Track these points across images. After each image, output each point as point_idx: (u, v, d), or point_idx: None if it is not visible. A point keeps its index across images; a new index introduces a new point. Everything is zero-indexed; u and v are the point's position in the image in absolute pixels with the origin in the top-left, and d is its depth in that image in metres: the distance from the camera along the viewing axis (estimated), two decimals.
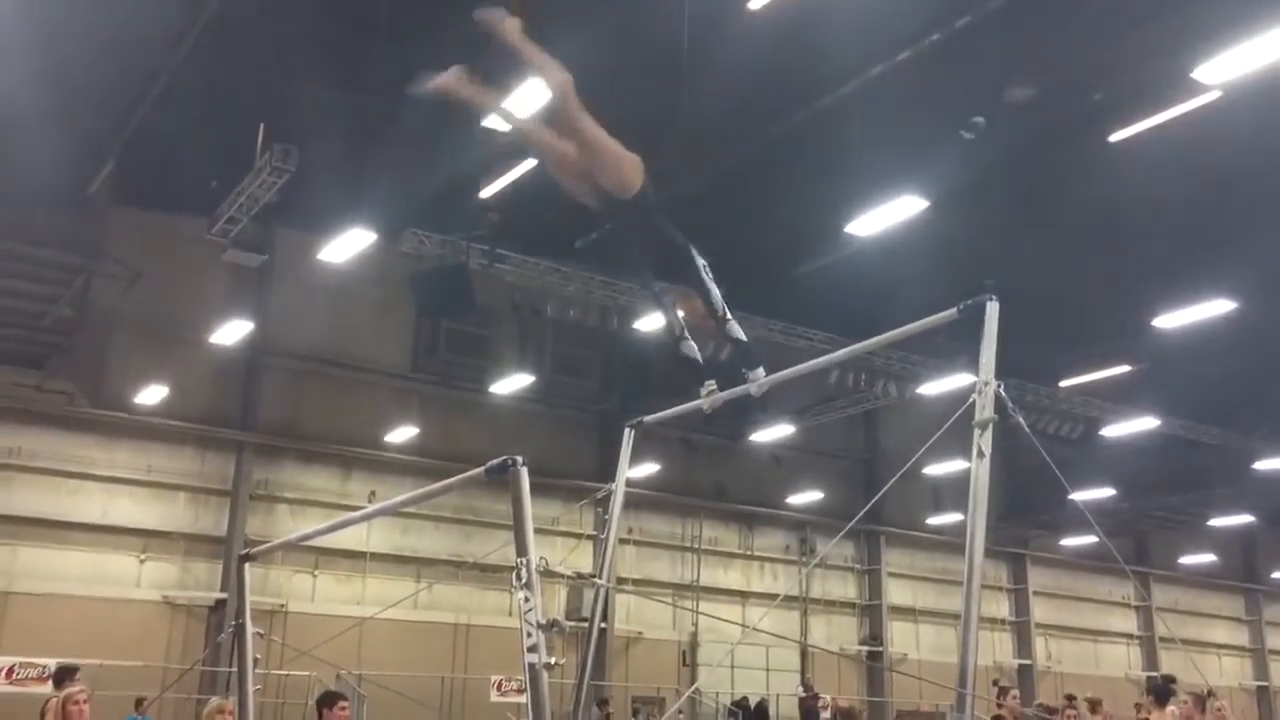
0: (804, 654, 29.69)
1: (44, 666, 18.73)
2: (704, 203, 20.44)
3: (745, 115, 18.59)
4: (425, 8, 16.81)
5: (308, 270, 22.43)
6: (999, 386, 4.83)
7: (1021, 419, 4.92)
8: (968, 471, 4.82)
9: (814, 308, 23.64)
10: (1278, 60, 12.20)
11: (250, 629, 6.53)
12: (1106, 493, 30.00)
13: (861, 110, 16.75)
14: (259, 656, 6.65)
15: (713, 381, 6.77)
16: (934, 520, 32.18)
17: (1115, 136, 17.48)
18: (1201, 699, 9.93)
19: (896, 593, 32.96)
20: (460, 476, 4.59)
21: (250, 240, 20.12)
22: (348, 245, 18.79)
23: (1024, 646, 35.15)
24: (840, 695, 27.10)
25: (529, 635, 3.71)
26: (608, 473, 7.24)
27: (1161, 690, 10.01)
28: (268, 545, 8.21)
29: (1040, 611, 35.88)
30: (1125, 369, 25.90)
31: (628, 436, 7.39)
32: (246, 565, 6.90)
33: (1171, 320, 20.99)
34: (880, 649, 31.63)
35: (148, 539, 23.00)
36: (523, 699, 23.48)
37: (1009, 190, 20.28)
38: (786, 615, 30.11)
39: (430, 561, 25.37)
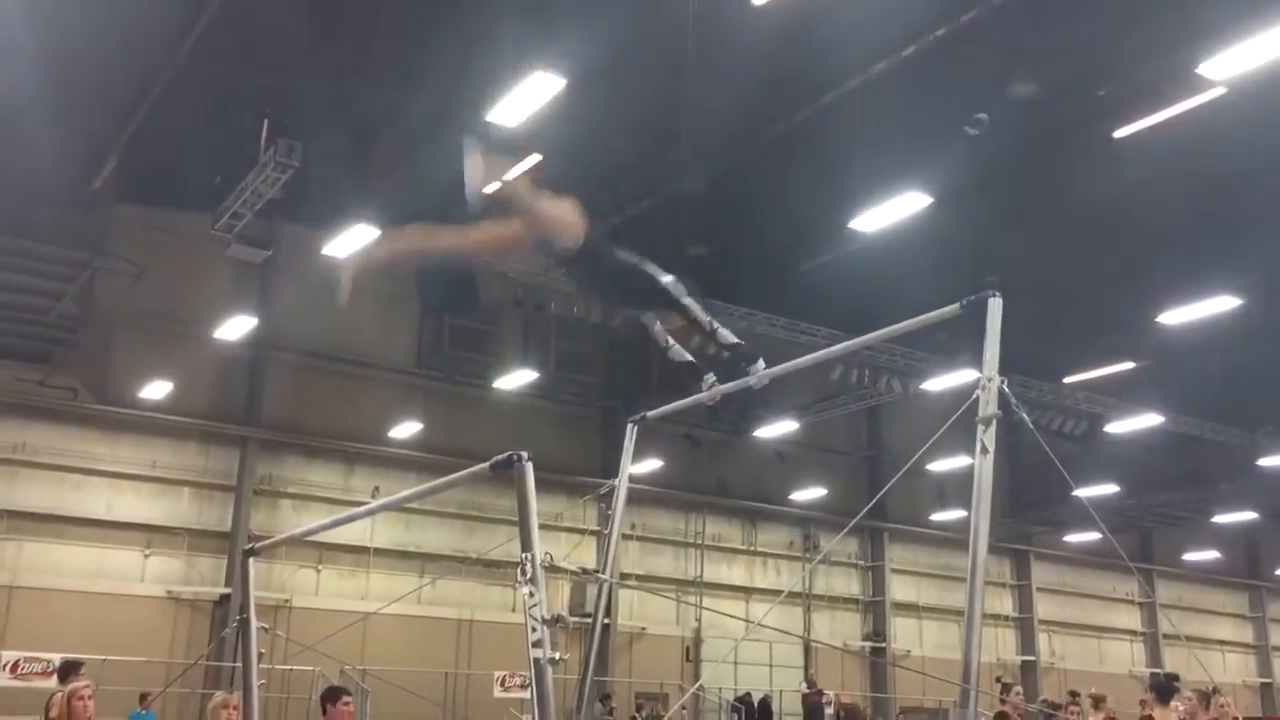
0: (807, 650, 29.70)
1: (48, 661, 18.79)
2: (708, 199, 20.50)
3: (749, 111, 18.58)
4: (427, 3, 16.83)
5: (312, 266, 22.37)
6: (1002, 383, 4.82)
7: (1025, 415, 4.91)
8: (971, 468, 4.82)
9: (818, 304, 23.63)
10: None
11: (255, 624, 6.54)
12: (1110, 489, 30.00)
13: (865, 106, 16.74)
14: (263, 651, 6.66)
15: (712, 375, 6.77)
16: (938, 516, 32.17)
17: (1120, 133, 17.45)
18: (1206, 695, 9.92)
19: (900, 589, 32.96)
20: (465, 472, 4.59)
21: (254, 236, 20.13)
22: (352, 240, 18.77)
23: (1027, 643, 35.14)
24: (844, 691, 27.15)
25: (534, 630, 3.71)
26: (611, 468, 7.24)
27: (1164, 688, 10.01)
28: (272, 540, 8.23)
29: (1044, 608, 35.85)
30: (1129, 365, 25.86)
31: (630, 432, 7.39)
32: (251, 560, 6.91)
33: (1176, 316, 20.95)
34: (884, 645, 31.63)
35: (152, 534, 23.04)
36: (526, 694, 23.60)
37: (1013, 187, 20.26)
38: (790, 611, 30.13)
39: (434, 557, 25.40)
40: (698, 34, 15.91)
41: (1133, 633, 38.13)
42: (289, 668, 17.86)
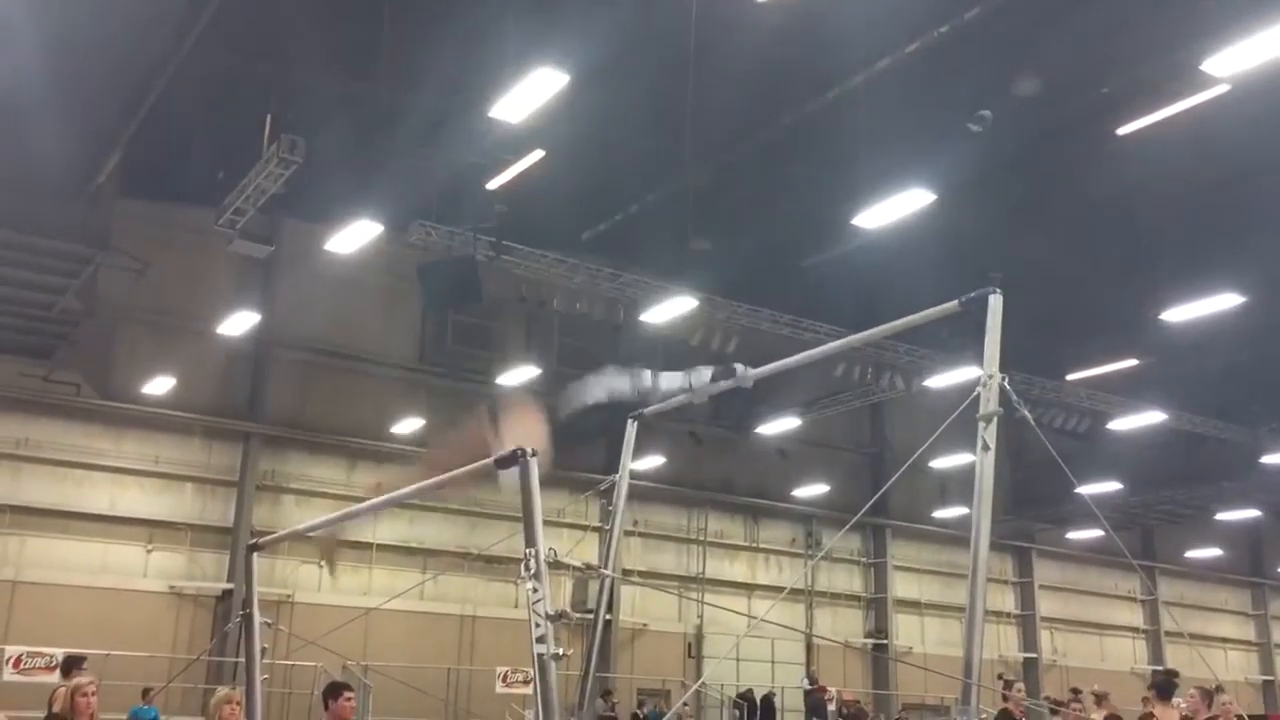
0: (809, 646, 29.71)
1: (51, 656, 18.82)
2: (711, 195, 20.48)
3: (753, 108, 18.58)
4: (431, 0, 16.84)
5: (315, 261, 22.46)
6: (1004, 380, 4.82)
7: (1027, 412, 4.91)
8: (973, 465, 4.82)
9: (821, 300, 23.63)
10: None
11: (258, 619, 6.55)
12: (1113, 486, 29.96)
13: (869, 103, 16.73)
14: (266, 646, 6.67)
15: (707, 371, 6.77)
16: (940, 514, 32.17)
17: (1123, 129, 17.43)
18: (1209, 693, 9.91)
19: (902, 586, 32.96)
20: (469, 467, 4.60)
21: (257, 231, 20.13)
22: (355, 236, 18.79)
23: (1029, 640, 35.14)
24: (845, 688, 27.16)
25: (537, 626, 3.71)
26: (614, 465, 7.25)
27: (1164, 685, 9.98)
28: (275, 535, 8.23)
29: (1046, 605, 35.84)
30: (1132, 362, 25.84)
31: (630, 428, 7.39)
32: (254, 555, 6.92)
33: (1179, 314, 20.91)
34: (885, 642, 31.64)
35: (155, 529, 23.08)
36: (528, 690, 23.61)
37: (1016, 183, 20.25)
38: (792, 608, 30.14)
39: (436, 552, 25.42)
40: (701, 30, 15.90)
41: (1135, 630, 38.12)
42: (291, 663, 17.88)
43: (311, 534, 8.83)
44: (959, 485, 28.83)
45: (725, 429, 29.23)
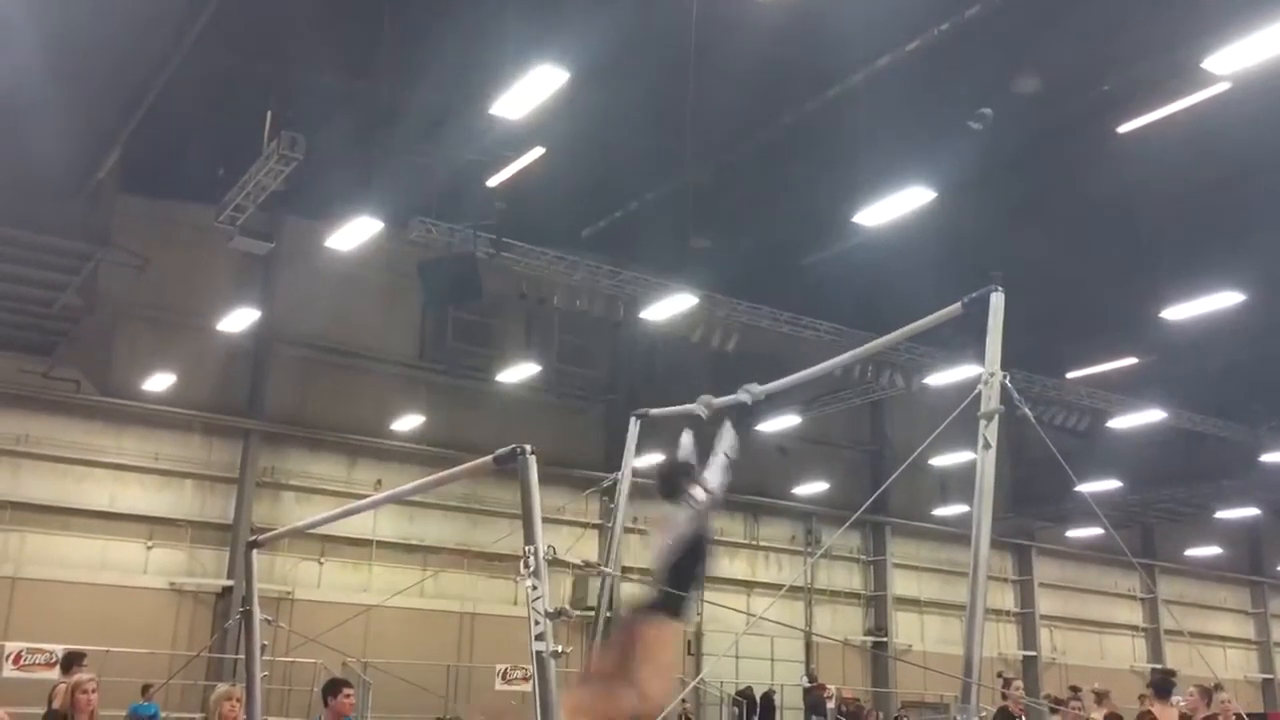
0: (808, 644, 29.71)
1: (51, 652, 18.82)
2: (712, 193, 20.48)
3: (753, 106, 18.57)
4: None
5: (315, 258, 22.46)
6: (1005, 378, 4.82)
7: (1028, 411, 4.91)
8: (973, 463, 4.82)
9: (821, 298, 23.62)
10: None
11: (258, 615, 6.55)
12: (1113, 485, 29.96)
13: (869, 101, 16.73)
14: (266, 643, 6.67)
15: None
16: (940, 511, 32.17)
17: (1124, 128, 17.42)
18: (1208, 691, 9.93)
19: (901, 584, 32.96)
20: (469, 465, 4.60)
21: (257, 228, 20.13)
22: (355, 233, 18.79)
23: (1029, 638, 35.15)
24: (845, 686, 27.18)
25: (537, 623, 3.72)
26: (614, 462, 7.27)
27: (1162, 684, 10.01)
28: (275, 532, 8.24)
29: (1045, 603, 35.85)
30: (1132, 361, 25.84)
31: (634, 427, 7.41)
32: (254, 552, 6.92)
33: (1179, 312, 20.91)
34: (885, 640, 31.65)
35: (155, 526, 23.09)
36: (528, 688, 23.65)
37: (1016, 181, 20.24)
38: (791, 605, 30.15)
39: (437, 550, 25.44)
40: (702, 28, 15.89)
41: (1134, 628, 38.14)
42: (291, 660, 17.93)
43: None
44: (959, 483, 28.84)
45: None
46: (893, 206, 17.53)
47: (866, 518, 30.20)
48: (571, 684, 5.44)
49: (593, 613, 7.75)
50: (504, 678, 24.07)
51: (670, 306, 21.63)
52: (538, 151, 19.46)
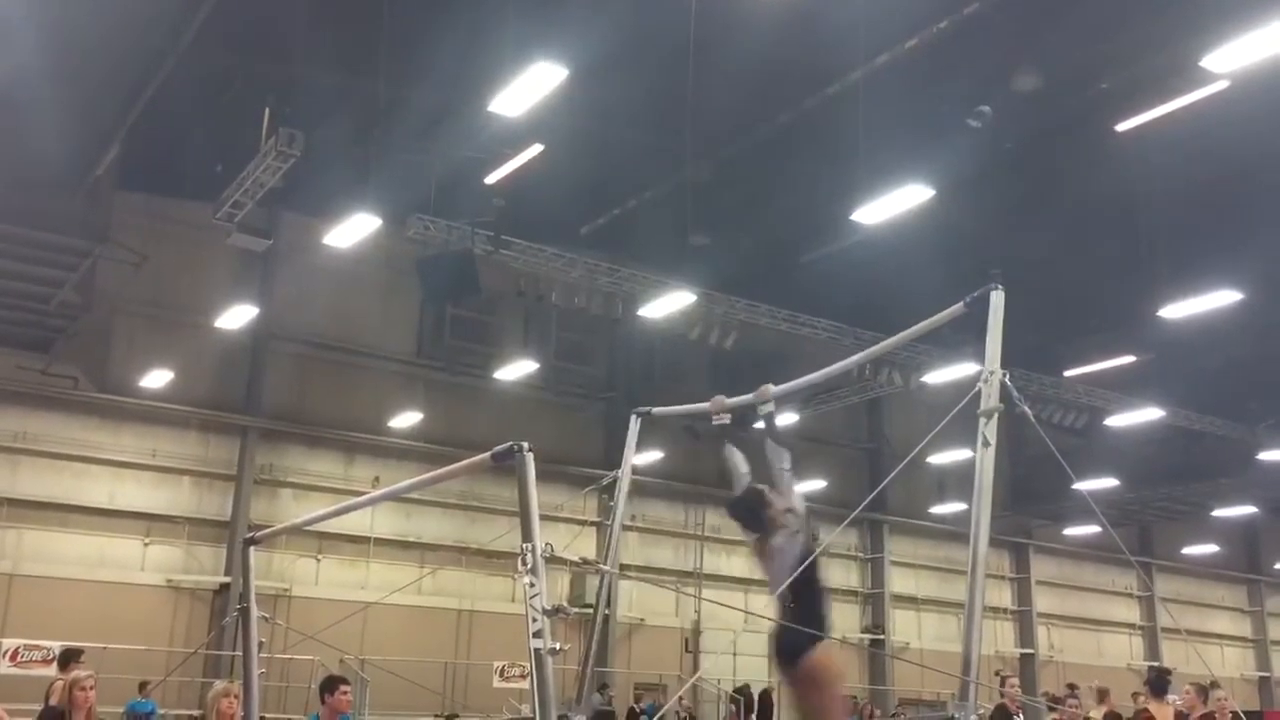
0: None
1: (48, 649, 18.78)
2: (710, 190, 20.47)
3: (752, 102, 18.57)
4: None
5: (313, 255, 22.45)
6: (1005, 376, 4.82)
7: (1027, 409, 4.91)
8: (972, 461, 4.82)
9: (819, 295, 23.63)
10: None
11: (255, 612, 6.55)
12: (1110, 483, 29.98)
13: (868, 99, 16.71)
14: (263, 640, 6.67)
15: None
16: (937, 509, 32.18)
17: (1122, 126, 17.42)
18: (1204, 689, 9.94)
19: (899, 581, 32.97)
20: (466, 462, 4.60)
21: (256, 225, 20.12)
22: (353, 230, 18.76)
23: (1026, 636, 35.17)
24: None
25: (534, 620, 3.72)
26: (612, 459, 7.26)
27: (1158, 682, 10.02)
28: (273, 529, 8.24)
29: (1043, 601, 35.88)
30: (1130, 359, 25.85)
31: (634, 424, 7.40)
32: (251, 549, 6.92)
33: (1177, 310, 20.89)
34: (882, 637, 31.66)
35: (152, 523, 23.07)
36: (525, 685, 23.64)
37: (1015, 179, 20.24)
38: None
39: (434, 547, 25.43)
40: (700, 25, 15.88)
41: (1131, 626, 38.18)
42: (289, 657, 17.94)
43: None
44: (957, 481, 28.87)
45: (719, 426, 29.19)
46: (891, 204, 17.51)
47: (864, 515, 30.24)
48: None
49: (591, 610, 7.73)
50: (502, 675, 24.07)
51: (669, 304, 21.63)
52: (536, 148, 19.46)
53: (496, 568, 25.10)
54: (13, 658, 19.77)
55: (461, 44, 16.88)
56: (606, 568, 5.45)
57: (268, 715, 18.29)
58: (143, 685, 17.32)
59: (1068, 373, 27.06)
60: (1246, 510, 34.95)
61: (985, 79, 17.77)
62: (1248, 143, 17.90)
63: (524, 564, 3.81)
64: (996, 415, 4.76)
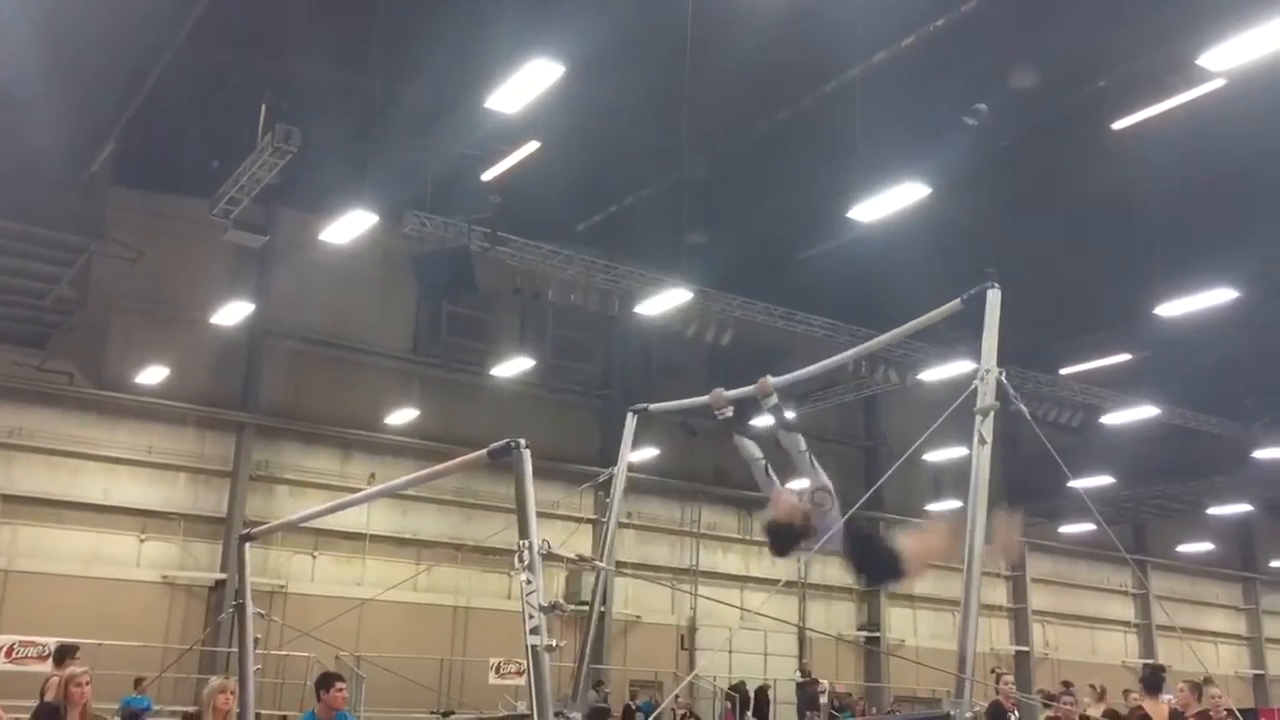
0: (802, 639, 29.75)
1: (44, 645, 18.78)
2: (707, 187, 20.48)
3: (749, 100, 18.57)
4: None
5: (309, 251, 22.44)
6: (1001, 374, 4.82)
7: (1024, 407, 4.92)
8: (968, 458, 4.82)
9: (816, 292, 23.63)
10: None
11: (251, 609, 6.55)
12: (1106, 481, 30.02)
13: (865, 96, 16.73)
14: (259, 636, 6.67)
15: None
16: (934, 507, 32.17)
17: (1119, 124, 17.44)
18: (1198, 686, 9.96)
19: None
20: (463, 458, 4.60)
21: (252, 221, 20.11)
22: (349, 226, 18.76)
23: (1022, 633, 35.22)
24: (838, 680, 27.21)
25: (531, 617, 3.72)
26: (608, 457, 7.26)
27: (1152, 679, 10.03)
28: (268, 526, 8.24)
29: (1038, 599, 35.92)
30: (1126, 357, 25.88)
31: (630, 421, 7.40)
32: (247, 546, 6.92)
33: (1173, 309, 20.93)
34: (878, 635, 31.70)
35: (148, 519, 23.04)
36: (521, 681, 23.59)
37: (1011, 177, 20.26)
38: (785, 600, 30.15)
39: (430, 544, 25.42)
40: (697, 23, 15.88)
41: (1127, 624, 38.23)
42: (284, 653, 17.90)
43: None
44: (952, 479, 28.87)
45: (719, 421, 29.19)
46: (888, 202, 17.53)
47: (861, 513, 30.21)
48: None
49: (586, 607, 7.74)
50: (498, 672, 24.07)
51: (665, 301, 21.63)
52: (533, 145, 19.45)
53: (492, 564, 25.10)
54: (8, 654, 19.75)
55: (458, 40, 16.87)
56: (602, 564, 5.45)
57: (263, 712, 18.29)
58: (138, 681, 17.32)
59: (1064, 371, 27.09)
60: (1241, 508, 35.01)
61: (982, 77, 17.79)
62: (1244, 141, 17.92)
63: (520, 561, 3.81)
64: (993, 413, 4.77)
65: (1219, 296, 20.10)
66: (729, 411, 6.67)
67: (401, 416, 25.45)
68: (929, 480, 30.77)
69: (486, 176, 20.54)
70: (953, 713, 4.54)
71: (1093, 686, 15.12)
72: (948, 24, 15.35)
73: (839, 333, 23.33)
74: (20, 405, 21.99)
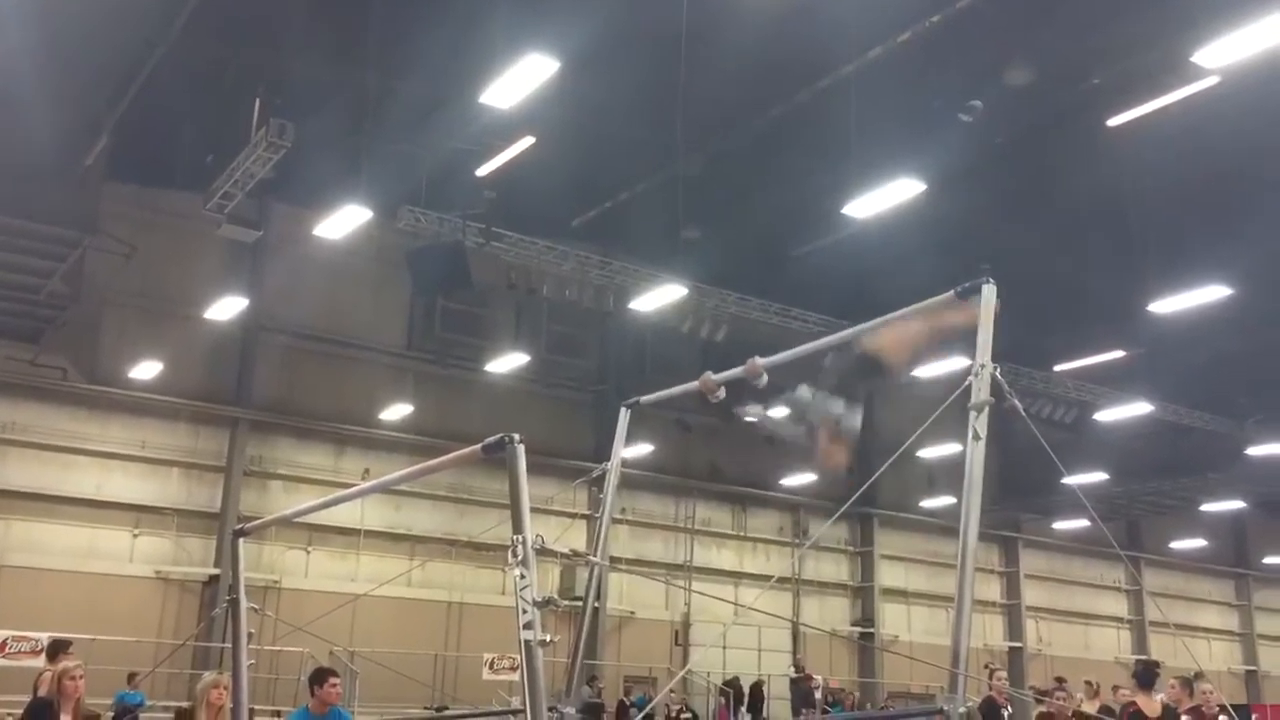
0: (796, 635, 29.79)
1: (36, 640, 18.77)
2: (702, 183, 20.47)
3: (744, 96, 18.57)
4: None
5: (303, 246, 22.41)
6: (995, 370, 4.83)
7: (1018, 403, 4.92)
8: (962, 454, 4.82)
9: (810, 289, 23.65)
10: (1277, 45, 12.17)
11: (244, 604, 6.54)
12: (1099, 477, 30.07)
13: (860, 92, 16.73)
14: (253, 632, 6.67)
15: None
16: (927, 503, 32.24)
17: (1113, 121, 17.46)
18: (1189, 682, 9.97)
19: (889, 575, 33.05)
20: (457, 454, 4.60)
21: (246, 216, 20.11)
22: (343, 221, 18.74)
23: (1015, 629, 35.29)
24: (832, 676, 27.24)
25: (525, 612, 3.72)
26: (603, 452, 7.26)
27: (1146, 675, 10.04)
28: (262, 521, 8.23)
29: (1031, 595, 35.99)
30: (1120, 354, 25.91)
31: (624, 416, 7.39)
32: (240, 541, 6.91)
33: (1167, 305, 20.98)
34: (872, 630, 31.74)
35: (141, 514, 23.01)
36: (515, 677, 23.56)
37: (1006, 174, 20.28)
38: (779, 596, 30.19)
39: (424, 539, 25.42)
40: (692, 18, 15.87)
41: (1120, 620, 38.31)
42: (278, 648, 17.85)
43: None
44: (946, 475, 28.89)
45: (713, 417, 29.21)
46: (882, 198, 17.54)
47: (854, 509, 30.26)
48: None
49: (580, 602, 7.73)
50: (491, 667, 24.09)
51: (660, 297, 21.63)
52: (527, 141, 19.43)
53: (486, 560, 25.09)
54: (1, 649, 19.74)
55: (453, 35, 16.85)
56: (596, 560, 5.45)
57: (256, 707, 18.29)
58: (131, 676, 17.32)
59: (1057, 367, 27.13)
60: (1234, 505, 35.09)
61: (977, 73, 17.80)
62: (1238, 138, 17.95)
63: (514, 556, 3.81)
64: (987, 409, 4.77)
65: (1213, 293, 20.13)
66: (721, 394, 6.67)
67: (396, 412, 25.44)
68: (923, 477, 30.80)
69: (481, 172, 20.52)
70: (946, 708, 4.53)
71: (1088, 683, 15.12)
72: (943, 21, 15.36)
73: (833, 329, 23.18)
74: (13, 400, 21.94)
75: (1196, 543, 38.32)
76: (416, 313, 26.34)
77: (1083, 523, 32.20)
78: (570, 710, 6.79)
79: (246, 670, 6.59)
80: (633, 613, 27.98)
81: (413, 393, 25.67)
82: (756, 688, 26.37)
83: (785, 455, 30.88)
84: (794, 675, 25.39)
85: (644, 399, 7.47)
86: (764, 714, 25.93)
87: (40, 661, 14.47)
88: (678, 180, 20.02)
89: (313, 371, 25.02)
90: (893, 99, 17.33)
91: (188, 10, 15.14)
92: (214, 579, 22.78)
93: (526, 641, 3.71)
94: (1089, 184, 20.87)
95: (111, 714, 15.99)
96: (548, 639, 3.72)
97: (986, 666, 12.03)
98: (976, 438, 4.73)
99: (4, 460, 21.88)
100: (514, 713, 8.27)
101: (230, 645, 6.87)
